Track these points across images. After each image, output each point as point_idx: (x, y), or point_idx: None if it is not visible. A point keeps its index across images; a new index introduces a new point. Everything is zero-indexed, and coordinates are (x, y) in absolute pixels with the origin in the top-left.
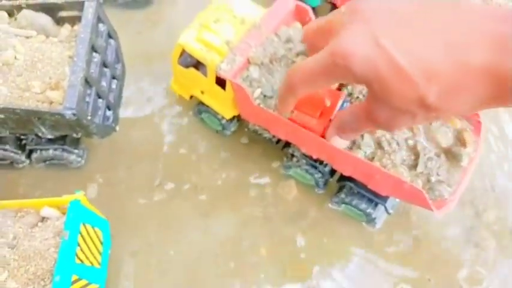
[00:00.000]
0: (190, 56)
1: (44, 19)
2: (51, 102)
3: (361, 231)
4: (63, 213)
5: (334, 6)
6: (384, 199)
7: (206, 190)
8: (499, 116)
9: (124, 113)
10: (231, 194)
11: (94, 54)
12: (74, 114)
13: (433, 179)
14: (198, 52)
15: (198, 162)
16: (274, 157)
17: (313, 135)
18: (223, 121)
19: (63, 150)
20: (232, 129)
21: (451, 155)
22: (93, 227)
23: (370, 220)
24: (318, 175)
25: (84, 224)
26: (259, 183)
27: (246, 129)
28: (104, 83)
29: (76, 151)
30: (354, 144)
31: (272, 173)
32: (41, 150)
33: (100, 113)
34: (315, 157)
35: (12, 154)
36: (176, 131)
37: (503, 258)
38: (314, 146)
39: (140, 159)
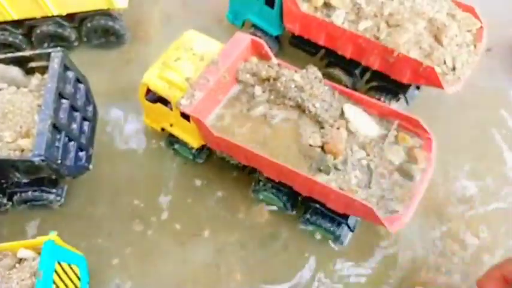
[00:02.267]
0: (155, 93)
1: (15, 71)
2: (22, 150)
3: (328, 251)
4: (39, 254)
5: (293, 35)
6: (345, 218)
7: (182, 220)
8: None
9: (100, 148)
10: (206, 221)
11: (63, 100)
12: (43, 160)
13: (386, 196)
14: (161, 89)
15: (174, 192)
16: (245, 183)
17: (270, 160)
18: (193, 150)
19: (42, 191)
20: (204, 157)
21: (404, 172)
22: (69, 264)
23: (336, 238)
24: (284, 197)
25: (59, 263)
26: (232, 209)
27: (214, 157)
28: (74, 126)
29: (54, 191)
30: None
31: (244, 198)
32: (20, 192)
33: (71, 155)
34: (276, 180)
35: None
36: (152, 163)
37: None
38: (273, 169)
39: (119, 193)
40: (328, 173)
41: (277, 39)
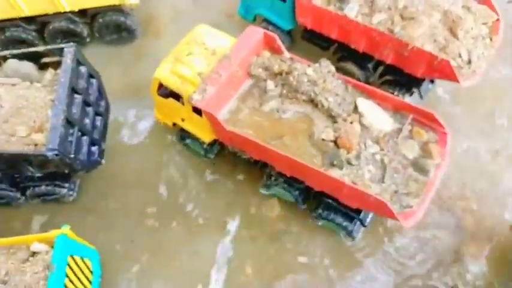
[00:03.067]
0: (167, 88)
1: (28, 67)
2: (36, 145)
3: (340, 245)
4: (52, 247)
5: (305, 29)
6: (358, 212)
7: (193, 214)
8: None
9: (113, 143)
10: (217, 216)
11: (75, 95)
12: (56, 155)
13: (400, 191)
14: (173, 84)
15: (185, 187)
16: (256, 178)
17: (282, 154)
18: (205, 145)
19: (55, 185)
20: (215, 152)
21: (418, 167)
22: (82, 258)
23: (348, 233)
24: (295, 192)
25: (72, 256)
26: (243, 204)
27: (226, 152)
28: (87, 121)
29: (67, 185)
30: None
31: (256, 193)
32: (33, 187)
33: (84, 149)
34: (288, 175)
35: (7, 192)
36: (163, 158)
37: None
38: (285, 164)
39: (131, 188)
40: (341, 168)
41: (289, 33)
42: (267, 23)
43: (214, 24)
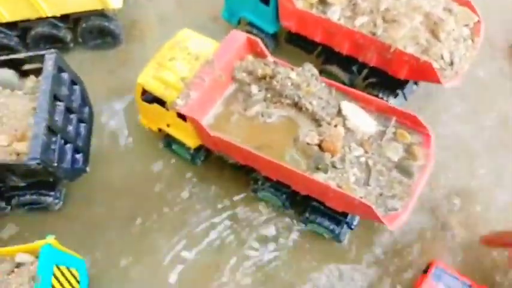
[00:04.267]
0: (151, 94)
1: (9, 74)
2: (18, 154)
3: (330, 247)
4: (37, 258)
5: (289, 33)
6: (344, 216)
7: (181, 219)
8: None
9: (98, 149)
10: (205, 221)
11: (57, 103)
12: (38, 164)
13: (385, 193)
14: (157, 90)
15: (172, 192)
16: (244, 182)
17: (267, 159)
18: (191, 151)
19: (40, 194)
20: (202, 157)
21: (402, 169)
22: (68, 268)
23: (335, 236)
24: (282, 196)
25: (58, 266)
26: (231, 209)
27: (212, 156)
28: (70, 129)
29: (52, 193)
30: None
31: (243, 197)
32: (18, 196)
33: (68, 157)
34: (274, 179)
35: None
36: (149, 164)
37: None
38: (270, 168)
39: (117, 194)
40: (326, 171)
41: (273, 36)
42: (251, 26)
43: (199, 27)
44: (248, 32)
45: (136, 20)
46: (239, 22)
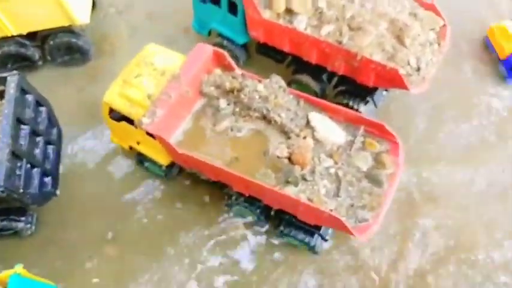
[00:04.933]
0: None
1: None
2: None
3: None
4: None
5: (259, 43)
6: (318, 228)
7: (156, 237)
8: None
9: (69, 170)
10: (182, 238)
11: (22, 126)
12: (2, 191)
13: (355, 204)
14: (123, 108)
15: (146, 210)
16: (219, 197)
17: (236, 175)
18: (164, 167)
19: (10, 220)
20: (175, 173)
21: (372, 178)
22: None
23: (310, 248)
24: (257, 210)
25: None
26: (207, 224)
27: (186, 172)
28: (37, 152)
29: (23, 219)
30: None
31: (219, 212)
32: None
33: (35, 182)
34: (246, 194)
35: None
36: (123, 182)
37: None
38: (241, 184)
39: (90, 215)
40: (296, 185)
41: (244, 47)
42: (222, 37)
43: (170, 39)
44: (219, 43)
45: (106, 33)
46: (209, 33)
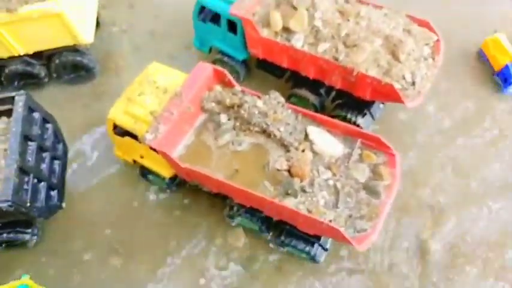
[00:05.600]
0: (122, 128)
1: None
2: None
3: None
4: None
5: (258, 59)
6: (318, 238)
7: (159, 250)
8: None
9: (75, 184)
10: (184, 248)
11: (29, 143)
12: (10, 206)
13: (354, 215)
14: (127, 124)
15: (149, 222)
16: (220, 208)
17: (237, 187)
18: (166, 180)
19: (17, 232)
20: (178, 185)
21: (370, 189)
22: None
23: (311, 258)
24: (258, 221)
25: None
26: (209, 235)
27: (188, 185)
28: (43, 167)
29: (29, 231)
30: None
31: (220, 223)
32: None
33: (42, 196)
34: (247, 206)
35: None
36: (127, 195)
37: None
38: (242, 196)
39: (95, 227)
40: (296, 196)
41: (244, 62)
42: (222, 54)
43: (172, 56)
44: (219, 59)
45: (111, 52)
46: (210, 50)
